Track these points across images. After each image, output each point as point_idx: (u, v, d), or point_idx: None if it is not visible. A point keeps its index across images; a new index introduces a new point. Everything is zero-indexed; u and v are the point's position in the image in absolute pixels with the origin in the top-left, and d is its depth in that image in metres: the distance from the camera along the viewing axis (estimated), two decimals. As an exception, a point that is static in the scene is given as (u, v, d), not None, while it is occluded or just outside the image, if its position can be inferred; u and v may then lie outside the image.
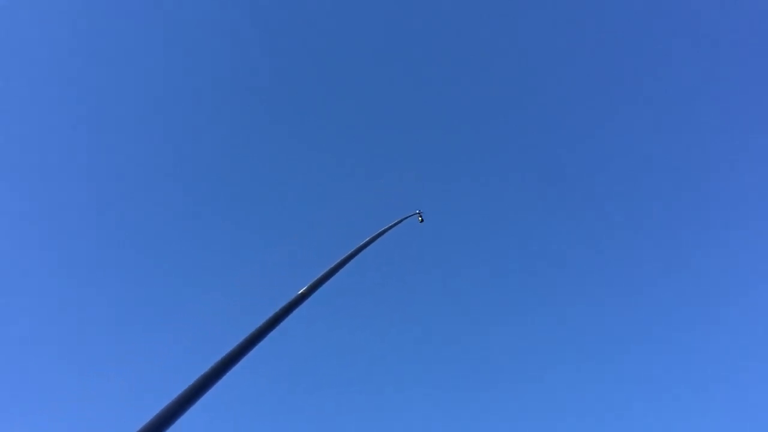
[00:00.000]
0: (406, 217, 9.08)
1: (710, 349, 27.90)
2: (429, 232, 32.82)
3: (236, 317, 27.38)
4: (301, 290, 6.17)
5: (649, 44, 31.02)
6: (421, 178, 32.84)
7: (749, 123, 29.37)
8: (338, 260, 6.83)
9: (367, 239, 7.45)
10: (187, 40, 29.60)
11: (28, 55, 26.07)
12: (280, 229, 31.31)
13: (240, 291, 29.51)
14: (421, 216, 11.73)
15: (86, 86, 27.68)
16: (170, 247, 29.35)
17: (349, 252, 7.06)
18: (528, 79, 33.30)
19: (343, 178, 33.15)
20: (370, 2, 31.52)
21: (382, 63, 33.19)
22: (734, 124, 29.97)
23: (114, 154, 27.48)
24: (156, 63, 28.44)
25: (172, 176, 29.80)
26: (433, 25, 32.60)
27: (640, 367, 27.98)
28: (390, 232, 7.94)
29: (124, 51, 28.40)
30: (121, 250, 27.46)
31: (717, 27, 29.97)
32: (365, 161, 33.72)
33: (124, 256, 27.48)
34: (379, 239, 7.61)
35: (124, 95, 28.24)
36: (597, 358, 28.93)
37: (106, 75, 27.79)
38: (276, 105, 31.99)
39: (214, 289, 29.13)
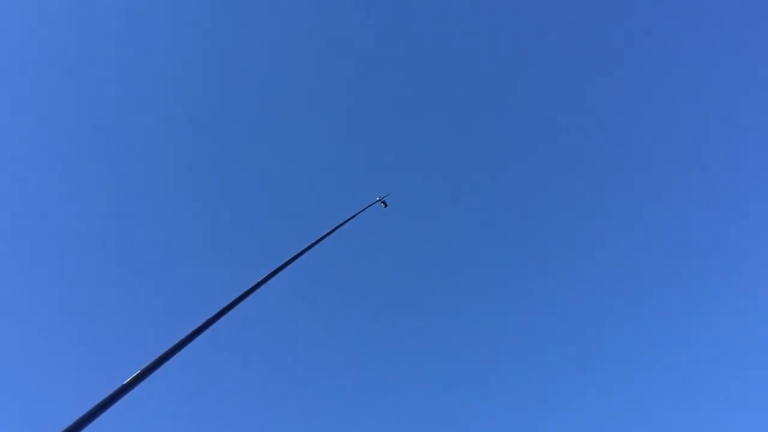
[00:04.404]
0: (368, 207, 9.08)
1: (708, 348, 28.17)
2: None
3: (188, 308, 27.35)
4: (255, 282, 6.35)
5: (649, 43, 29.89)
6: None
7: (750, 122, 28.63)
8: (294, 253, 6.96)
9: (325, 232, 7.54)
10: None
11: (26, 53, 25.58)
12: (235, 221, 30.58)
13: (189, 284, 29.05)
14: (384, 202, 11.52)
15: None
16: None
17: (306, 245, 7.17)
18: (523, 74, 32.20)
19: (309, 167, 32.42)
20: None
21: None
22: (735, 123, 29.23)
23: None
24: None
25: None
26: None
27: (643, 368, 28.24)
28: (352, 222, 8.02)
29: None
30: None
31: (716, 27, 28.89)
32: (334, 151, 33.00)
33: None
34: (337, 232, 7.69)
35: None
36: (594, 356, 29.21)
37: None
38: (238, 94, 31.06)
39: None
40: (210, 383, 25.50)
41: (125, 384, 4.25)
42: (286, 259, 6.92)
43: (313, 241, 7.30)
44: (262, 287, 6.26)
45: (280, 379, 27.20)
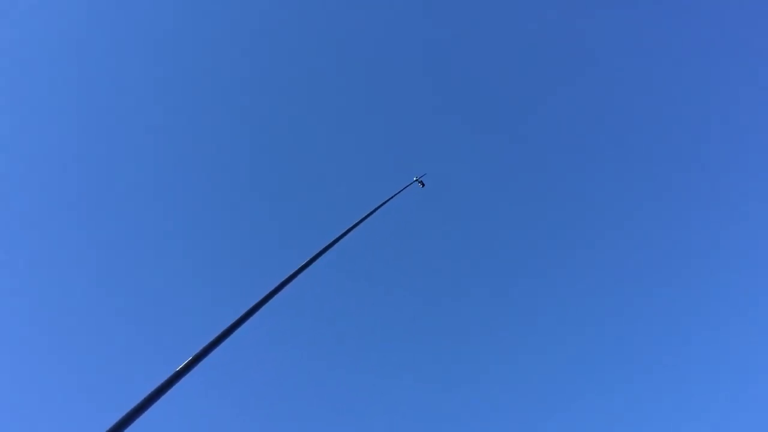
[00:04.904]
0: (404, 188, 8.63)
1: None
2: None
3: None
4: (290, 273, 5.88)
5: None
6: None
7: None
8: (328, 242, 6.44)
9: (363, 216, 7.04)
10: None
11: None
12: (269, 211, 30.46)
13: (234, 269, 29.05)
14: (421, 181, 11.18)
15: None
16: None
17: (342, 231, 6.67)
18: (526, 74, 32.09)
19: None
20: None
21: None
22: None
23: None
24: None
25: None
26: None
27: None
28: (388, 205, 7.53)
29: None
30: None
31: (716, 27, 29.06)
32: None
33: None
34: (376, 213, 7.19)
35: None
36: (594, 355, 29.09)
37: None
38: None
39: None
40: (232, 379, 25.22)
41: (178, 371, 3.92)
42: (325, 245, 6.42)
43: (352, 224, 6.78)
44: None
45: (281, 377, 26.72)
